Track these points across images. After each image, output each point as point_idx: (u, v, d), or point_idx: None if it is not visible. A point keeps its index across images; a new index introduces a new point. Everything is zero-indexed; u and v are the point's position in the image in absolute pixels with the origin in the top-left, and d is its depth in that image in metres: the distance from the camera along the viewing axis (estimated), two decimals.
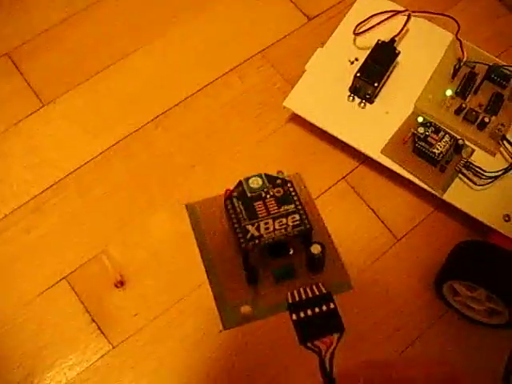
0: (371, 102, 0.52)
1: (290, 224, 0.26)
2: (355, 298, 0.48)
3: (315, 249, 0.26)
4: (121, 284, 0.48)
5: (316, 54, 0.54)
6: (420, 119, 0.49)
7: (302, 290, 0.25)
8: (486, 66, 0.52)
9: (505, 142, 0.49)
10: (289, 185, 0.27)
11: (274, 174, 0.28)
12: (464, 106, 0.50)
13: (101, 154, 0.52)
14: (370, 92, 0.51)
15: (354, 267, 0.50)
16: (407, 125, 0.50)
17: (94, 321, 0.47)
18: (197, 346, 0.47)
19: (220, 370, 0.46)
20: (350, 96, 0.52)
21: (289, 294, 0.25)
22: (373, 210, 0.52)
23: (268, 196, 0.27)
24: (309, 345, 0.24)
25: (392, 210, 0.52)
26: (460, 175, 0.49)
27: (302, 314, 0.25)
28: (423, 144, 0.48)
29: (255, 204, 0.27)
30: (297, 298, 0.25)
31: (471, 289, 0.45)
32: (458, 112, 0.50)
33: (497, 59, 0.53)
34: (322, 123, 0.51)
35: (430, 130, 0.48)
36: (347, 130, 0.51)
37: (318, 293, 0.25)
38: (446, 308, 0.48)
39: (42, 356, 0.46)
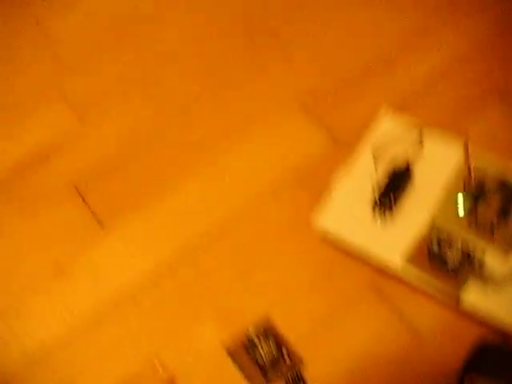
0: (390, 219, 0.59)
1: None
2: None
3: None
4: None
5: (341, 179, 0.61)
6: (435, 233, 0.56)
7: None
8: (497, 177, 0.58)
9: None
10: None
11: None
12: (476, 216, 0.56)
13: (155, 272, 0.62)
14: (388, 212, 0.58)
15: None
16: (423, 239, 0.57)
17: None
18: None
19: None
20: (372, 215, 0.59)
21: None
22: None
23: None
24: None
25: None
26: (473, 279, 0.55)
27: None
28: (437, 256, 0.54)
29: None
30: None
31: None
32: (470, 222, 0.56)
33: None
34: (352, 241, 0.59)
35: (443, 243, 0.55)
36: (373, 245, 0.58)
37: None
38: None
39: None
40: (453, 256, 0.55)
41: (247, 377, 0.53)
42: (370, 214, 0.59)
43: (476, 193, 0.57)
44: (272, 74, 0.73)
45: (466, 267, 0.55)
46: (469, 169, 0.58)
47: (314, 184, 0.64)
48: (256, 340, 0.53)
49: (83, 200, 0.66)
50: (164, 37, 0.77)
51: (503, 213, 0.56)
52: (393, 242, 0.58)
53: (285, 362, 0.53)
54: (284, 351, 0.53)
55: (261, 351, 0.53)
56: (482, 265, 0.55)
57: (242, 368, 0.53)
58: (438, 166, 0.60)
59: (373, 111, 0.66)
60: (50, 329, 0.60)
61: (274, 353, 0.53)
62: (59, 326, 0.60)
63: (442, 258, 0.55)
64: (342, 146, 0.66)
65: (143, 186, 0.67)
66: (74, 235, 0.65)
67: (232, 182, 0.66)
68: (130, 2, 0.80)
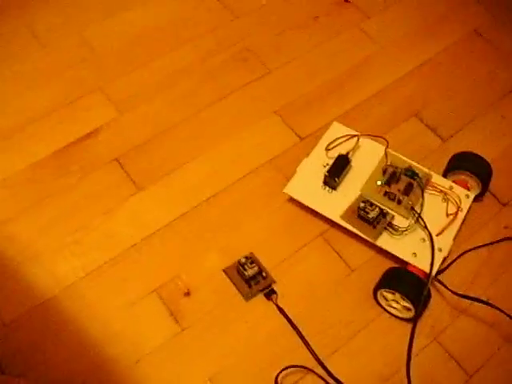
0: (335, 189, 0.89)
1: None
2: None
3: None
4: None
5: (303, 161, 0.91)
6: (362, 198, 0.86)
7: None
8: (404, 167, 0.89)
9: (412, 211, 0.86)
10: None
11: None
12: (388, 190, 0.87)
13: (175, 219, 0.90)
14: (333, 184, 0.88)
15: None
16: (355, 201, 0.87)
17: None
18: None
19: None
20: (323, 186, 0.89)
21: None
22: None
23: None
24: None
25: None
26: (386, 230, 0.85)
27: None
28: (363, 213, 0.85)
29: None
30: None
31: (392, 294, 0.80)
32: (385, 194, 0.87)
33: (411, 161, 0.90)
34: (309, 202, 0.88)
35: (367, 204, 0.85)
36: (322, 205, 0.88)
37: None
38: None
39: None
40: (372, 213, 0.85)
41: (238, 288, 0.84)
42: (322, 185, 0.89)
43: (389, 176, 0.88)
44: (256, 91, 1.04)
45: (381, 221, 0.85)
46: (386, 161, 0.90)
47: (285, 167, 0.94)
48: (245, 265, 0.83)
49: (122, 168, 0.94)
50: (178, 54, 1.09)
51: (406, 191, 0.87)
52: (335, 204, 0.88)
53: (263, 278, 0.84)
54: (262, 273, 0.84)
55: (247, 272, 0.83)
56: (391, 221, 0.85)
57: (234, 283, 0.84)
58: (367, 159, 0.91)
59: (327, 121, 0.97)
60: (105, 251, 0.87)
61: (256, 274, 0.83)
62: (111, 250, 0.88)
63: (365, 215, 0.85)
64: (305, 142, 0.97)
65: (164, 161, 0.96)
66: (117, 192, 0.93)
67: (228, 164, 0.95)
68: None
